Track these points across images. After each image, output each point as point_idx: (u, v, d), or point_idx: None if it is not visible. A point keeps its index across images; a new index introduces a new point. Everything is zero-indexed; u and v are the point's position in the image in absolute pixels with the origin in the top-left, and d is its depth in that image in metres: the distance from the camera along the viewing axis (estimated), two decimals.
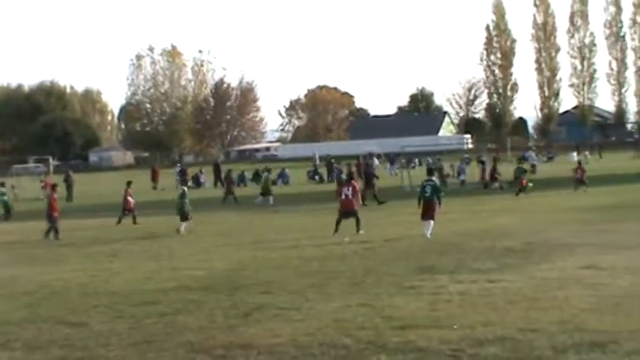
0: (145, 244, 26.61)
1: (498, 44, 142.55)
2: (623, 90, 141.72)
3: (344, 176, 37.34)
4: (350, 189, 26.72)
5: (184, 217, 29.74)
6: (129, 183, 35.92)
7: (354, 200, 26.65)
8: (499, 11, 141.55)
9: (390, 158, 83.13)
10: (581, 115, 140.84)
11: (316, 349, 11.05)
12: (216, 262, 20.84)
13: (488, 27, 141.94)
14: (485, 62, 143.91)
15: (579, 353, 10.16)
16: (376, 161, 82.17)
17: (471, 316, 12.58)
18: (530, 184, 41.31)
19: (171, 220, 30.77)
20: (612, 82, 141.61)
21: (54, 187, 31.38)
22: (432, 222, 24.27)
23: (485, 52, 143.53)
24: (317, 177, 69.11)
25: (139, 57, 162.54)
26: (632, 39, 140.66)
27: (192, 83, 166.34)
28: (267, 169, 51.55)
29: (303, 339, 11.61)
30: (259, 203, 42.16)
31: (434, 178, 26.01)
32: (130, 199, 34.77)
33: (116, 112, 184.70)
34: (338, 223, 26.08)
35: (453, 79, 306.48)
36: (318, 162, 79.05)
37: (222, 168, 68.24)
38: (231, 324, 13.00)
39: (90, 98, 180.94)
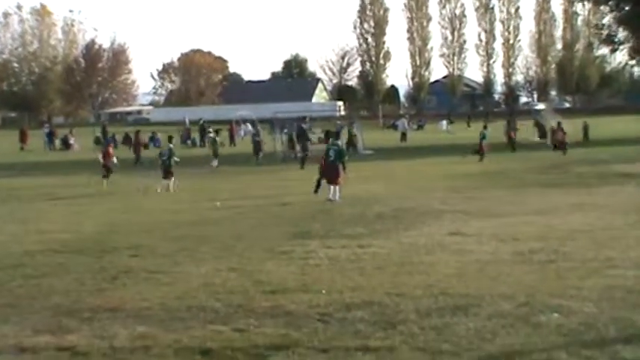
0: (11, 206, 25.97)
1: (372, 12, 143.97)
2: (491, 61, 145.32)
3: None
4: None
5: (169, 175, 29.57)
6: None
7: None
8: None
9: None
10: (451, 84, 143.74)
11: (185, 312, 11.03)
12: (85, 226, 20.51)
13: None
14: (358, 30, 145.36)
15: (443, 317, 10.42)
16: (250, 127, 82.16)
17: (339, 280, 12.75)
18: None
19: (40, 181, 30.12)
20: (481, 53, 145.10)
21: None
22: (337, 187, 24.16)
23: (358, 20, 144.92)
24: (189, 141, 68.56)
25: (6, 15, 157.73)
26: (501, 11, 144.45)
27: (63, 43, 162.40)
28: (216, 130, 49.36)
29: (172, 302, 11.58)
30: (215, 166, 40.66)
31: (338, 142, 25.70)
32: None
33: None
34: (318, 183, 25.50)
35: (327, 46, 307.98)
36: (188, 126, 78.23)
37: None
38: (100, 287, 12.85)
39: None
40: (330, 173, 24.42)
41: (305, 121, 48.42)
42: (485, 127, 44.58)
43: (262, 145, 45.03)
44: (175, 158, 30.34)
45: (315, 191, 25.50)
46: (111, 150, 35.57)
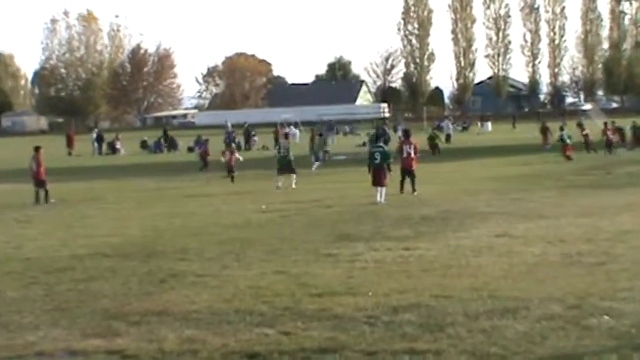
0: (59, 210, 26.21)
1: (416, 14, 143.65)
2: (536, 61, 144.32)
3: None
4: (411, 147, 26.70)
5: (292, 170, 30.63)
6: (37, 148, 30.19)
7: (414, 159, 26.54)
8: None
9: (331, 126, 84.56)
10: (496, 85, 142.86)
11: (232, 315, 11.06)
12: (132, 229, 20.65)
13: None
14: (402, 32, 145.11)
15: (491, 319, 10.34)
16: (294, 129, 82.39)
17: (386, 283, 12.71)
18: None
19: (86, 185, 30.38)
20: (526, 53, 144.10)
21: None
22: (383, 188, 24.33)
23: (402, 22, 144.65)
24: (233, 145, 68.75)
25: (53, 21, 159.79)
26: (546, 11, 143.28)
27: (109, 48, 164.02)
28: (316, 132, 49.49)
29: (220, 306, 11.61)
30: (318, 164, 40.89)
31: (382, 145, 25.81)
32: (38, 168, 29.24)
33: (30, 76, 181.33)
34: (402, 183, 26.28)
35: (371, 48, 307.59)
36: (230, 130, 78.48)
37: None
38: (147, 291, 12.93)
39: (2, 62, 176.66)
40: (376, 176, 24.49)
41: (385, 123, 48.11)
42: (562, 129, 43.86)
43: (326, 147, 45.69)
44: (291, 156, 31.42)
45: (401, 191, 26.19)
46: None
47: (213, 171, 39.60)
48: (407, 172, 26.39)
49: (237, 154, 37.34)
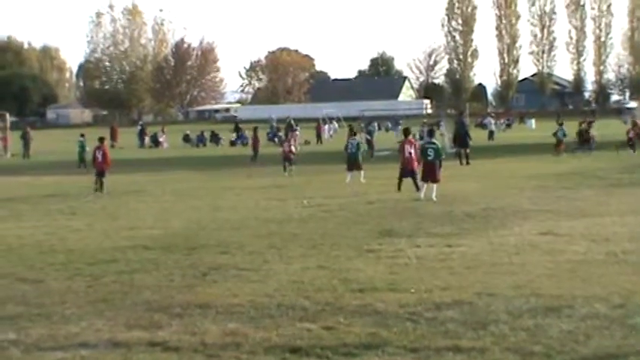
0: (103, 202, 26.40)
1: (460, 10, 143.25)
2: (581, 59, 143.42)
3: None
4: (412, 146, 26.76)
5: (359, 167, 31.05)
6: (101, 139, 31.79)
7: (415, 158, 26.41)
8: None
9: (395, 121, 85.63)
10: (540, 82, 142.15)
11: (274, 309, 11.06)
12: (174, 222, 20.75)
13: None
14: (446, 28, 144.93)
15: (535, 317, 10.26)
16: (336, 125, 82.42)
17: (428, 280, 12.65)
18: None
19: (129, 177, 30.59)
20: (571, 50, 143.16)
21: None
22: (434, 185, 24.27)
23: (446, 18, 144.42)
24: (276, 139, 69.01)
25: (98, 15, 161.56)
26: (592, 8, 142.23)
27: (153, 42, 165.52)
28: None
29: (262, 300, 11.62)
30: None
31: (435, 140, 25.74)
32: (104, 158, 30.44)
33: (75, 69, 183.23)
34: (400, 181, 26.34)
35: (414, 44, 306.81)
36: (275, 124, 78.72)
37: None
38: (189, 283, 12.97)
39: (48, 55, 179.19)
40: (429, 172, 24.44)
41: (464, 115, 47.57)
42: (561, 124, 45.42)
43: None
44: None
45: (399, 189, 25.91)
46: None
47: (259, 165, 39.78)
48: (409, 172, 26.29)
49: (293, 146, 38.41)
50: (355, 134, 33.39)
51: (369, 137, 47.95)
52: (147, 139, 73.25)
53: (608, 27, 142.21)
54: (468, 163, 38.76)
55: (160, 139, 73.35)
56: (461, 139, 40.83)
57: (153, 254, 15.81)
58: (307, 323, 10.36)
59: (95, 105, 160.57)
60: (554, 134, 44.54)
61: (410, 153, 26.44)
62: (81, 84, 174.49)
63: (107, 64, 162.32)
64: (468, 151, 39.84)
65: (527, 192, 25.64)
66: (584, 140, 45.53)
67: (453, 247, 15.60)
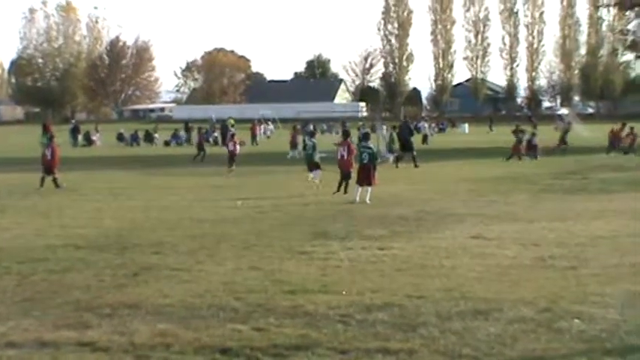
0: (34, 200, 26.07)
1: (396, 14, 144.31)
2: (514, 65, 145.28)
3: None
4: (345, 148, 26.73)
5: (317, 166, 31.34)
6: (51, 138, 32.61)
7: (350, 161, 26.52)
8: None
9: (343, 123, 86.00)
10: (474, 88, 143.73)
11: (205, 310, 11.04)
12: (107, 221, 20.55)
13: None
14: (382, 31, 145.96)
15: (463, 320, 10.38)
16: (271, 126, 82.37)
17: (360, 282, 12.71)
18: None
19: (63, 176, 30.22)
20: (504, 56, 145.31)
21: None
22: (369, 188, 24.28)
23: (382, 22, 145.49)
24: (211, 140, 68.62)
25: (32, 10, 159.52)
26: (525, 15, 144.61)
27: (87, 40, 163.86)
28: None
29: (193, 300, 11.58)
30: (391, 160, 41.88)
31: (370, 144, 25.70)
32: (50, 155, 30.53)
33: (7, 65, 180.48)
34: (340, 184, 26.35)
35: (350, 46, 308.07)
36: (215, 122, 78.44)
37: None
38: (120, 283, 12.87)
39: None
40: (364, 175, 24.47)
41: (408, 120, 47.51)
42: (522, 131, 46.12)
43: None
44: (320, 153, 32.35)
45: (337, 191, 25.93)
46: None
47: (197, 165, 39.54)
48: (345, 175, 26.36)
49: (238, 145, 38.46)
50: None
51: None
52: (80, 138, 72.42)
53: (540, 34, 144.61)
54: (416, 166, 39.06)
55: (94, 138, 72.67)
56: (406, 143, 41.13)
57: (84, 253, 15.65)
58: (238, 324, 10.35)
59: (27, 102, 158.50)
60: (528, 141, 45.08)
61: (342, 155, 26.55)
62: (13, 80, 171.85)
63: (40, 60, 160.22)
64: (414, 154, 40.25)
65: (461, 195, 25.90)
66: (531, 146, 45.99)
67: (385, 250, 15.68)
